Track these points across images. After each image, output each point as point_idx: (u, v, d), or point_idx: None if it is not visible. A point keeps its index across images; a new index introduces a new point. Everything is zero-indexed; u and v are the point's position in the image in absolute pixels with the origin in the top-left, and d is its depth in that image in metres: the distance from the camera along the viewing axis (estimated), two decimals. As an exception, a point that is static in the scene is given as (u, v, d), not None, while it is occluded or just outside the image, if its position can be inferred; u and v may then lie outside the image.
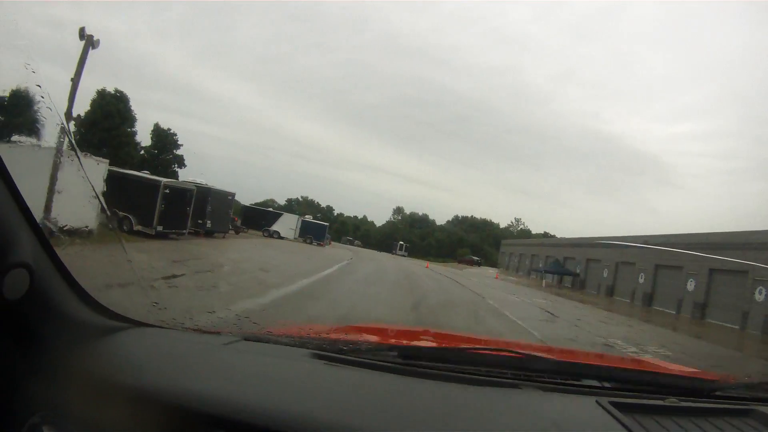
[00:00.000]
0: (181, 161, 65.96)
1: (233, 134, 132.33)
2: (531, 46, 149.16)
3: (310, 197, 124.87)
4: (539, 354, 2.07)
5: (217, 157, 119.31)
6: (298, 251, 33.64)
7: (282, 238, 48.24)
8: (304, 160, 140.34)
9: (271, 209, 53.41)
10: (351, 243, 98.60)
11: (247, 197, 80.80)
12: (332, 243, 69.73)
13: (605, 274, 44.26)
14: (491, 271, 68.39)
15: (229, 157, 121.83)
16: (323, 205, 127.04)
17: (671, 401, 1.61)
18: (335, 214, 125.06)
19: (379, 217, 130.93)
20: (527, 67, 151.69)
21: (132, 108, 61.48)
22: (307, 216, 57.00)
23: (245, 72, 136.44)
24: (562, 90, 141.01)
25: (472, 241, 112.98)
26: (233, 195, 33.78)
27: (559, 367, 1.89)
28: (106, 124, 59.89)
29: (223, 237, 32.27)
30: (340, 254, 40.31)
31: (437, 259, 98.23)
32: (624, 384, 1.78)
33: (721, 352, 17.84)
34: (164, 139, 64.98)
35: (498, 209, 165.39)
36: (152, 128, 65.26)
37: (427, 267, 44.78)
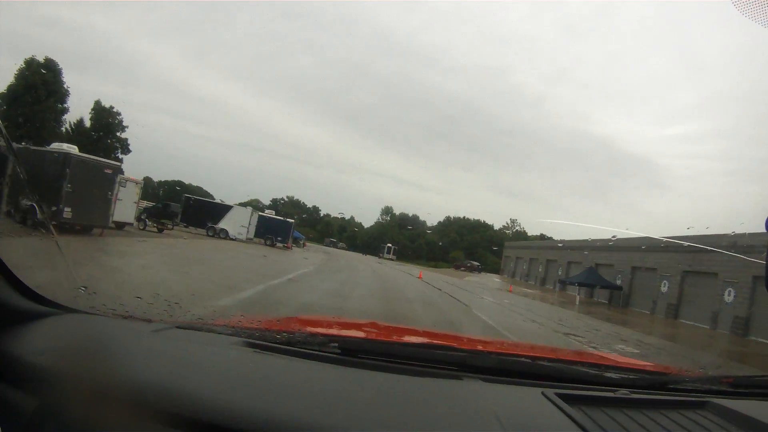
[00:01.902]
0: (125, 145, 53.09)
1: (220, 134, 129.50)
2: (522, 46, 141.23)
3: (296, 197, 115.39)
4: (484, 349, 2.06)
5: (201, 156, 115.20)
6: (215, 260, 20.48)
7: (233, 238, 35.58)
8: (292, 161, 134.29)
9: (220, 201, 40.24)
10: (334, 245, 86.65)
11: (232, 197, 72.47)
12: (307, 245, 57.18)
13: (665, 288, 31.82)
14: (496, 280, 56.01)
15: (214, 157, 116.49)
16: (309, 205, 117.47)
17: (622, 393, 1.52)
18: (321, 215, 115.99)
19: (368, 219, 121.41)
20: (518, 68, 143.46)
21: (64, 80, 49.12)
22: (267, 211, 44.18)
23: (233, 71, 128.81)
24: (553, 91, 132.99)
25: (465, 244, 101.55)
26: (118, 168, 20.93)
27: (503, 362, 1.72)
28: (27, 97, 47.20)
29: (102, 234, 19.65)
30: (299, 262, 27.73)
31: (429, 263, 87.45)
32: (573, 376, 1.66)
33: None
34: (106, 119, 52.18)
35: (490, 211, 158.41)
36: (92, 106, 52.50)
37: (420, 278, 32.34)
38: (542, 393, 1.40)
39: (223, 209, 36.68)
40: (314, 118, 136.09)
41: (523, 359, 1.85)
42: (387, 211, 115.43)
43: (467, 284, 37.40)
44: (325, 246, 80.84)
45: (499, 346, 2.75)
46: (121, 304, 1.89)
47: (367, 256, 73.11)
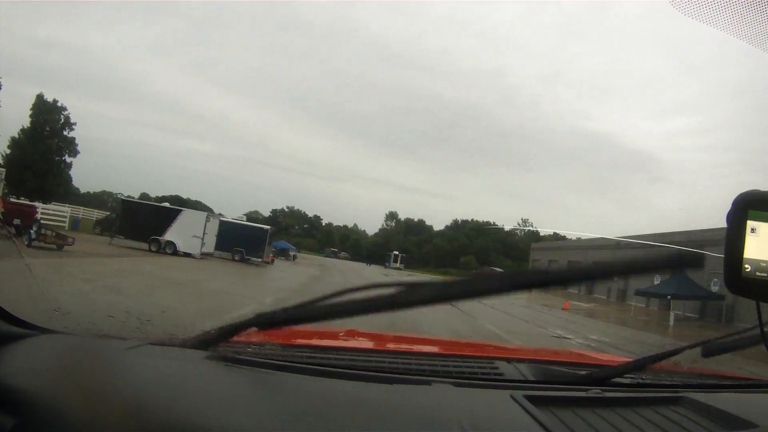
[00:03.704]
0: (72, 147, 43.04)
1: (218, 148, 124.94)
2: (518, 47, 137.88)
3: (296, 207, 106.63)
4: (456, 352, 2.09)
5: (201, 171, 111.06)
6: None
7: (184, 253, 25.44)
8: (293, 173, 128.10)
9: (166, 204, 29.78)
10: (335, 255, 76.72)
11: (231, 211, 64.86)
12: (298, 257, 46.95)
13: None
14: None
15: (213, 171, 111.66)
16: (310, 215, 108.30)
17: (594, 392, 1.45)
18: (323, 224, 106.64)
19: (372, 226, 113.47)
20: (516, 69, 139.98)
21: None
22: (242, 216, 33.82)
23: (233, 85, 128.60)
24: (551, 90, 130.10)
25: (476, 248, 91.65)
26: None
27: (472, 363, 1.71)
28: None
29: None
30: (262, 286, 17.65)
31: (438, 270, 77.60)
32: (545, 377, 1.62)
33: None
34: (49, 116, 42.26)
35: (496, 213, 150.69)
36: (33, 102, 42.43)
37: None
38: (511, 396, 1.32)
39: (169, 215, 26.25)
40: (314, 128, 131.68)
41: (494, 362, 1.76)
42: (392, 216, 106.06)
43: (503, 301, 27.22)
44: (326, 256, 70.89)
45: (472, 348, 2.58)
46: (93, 323, 1.83)
47: (372, 266, 63.13)
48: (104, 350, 1.50)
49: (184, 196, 76.31)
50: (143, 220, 25.89)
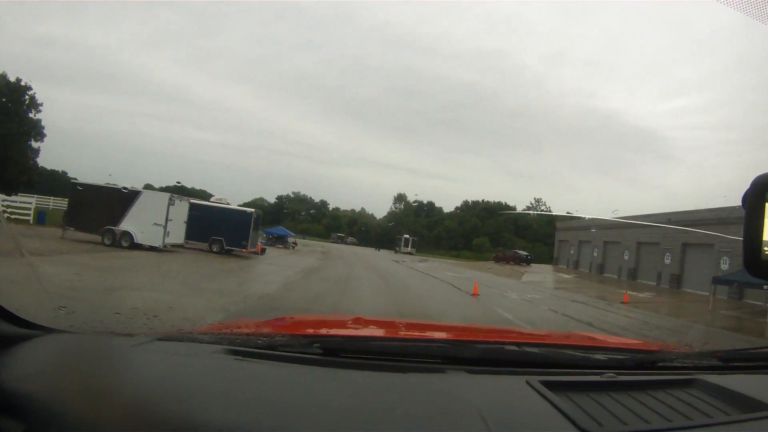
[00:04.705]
0: (38, 130, 37.49)
1: (223, 137, 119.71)
2: (521, 27, 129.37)
3: (302, 193, 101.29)
4: (466, 338, 2.03)
5: (206, 161, 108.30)
6: None
7: (153, 247, 20.07)
8: (298, 159, 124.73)
9: (118, 185, 23.18)
10: (342, 240, 71.26)
11: (236, 198, 60.29)
12: (298, 243, 41.41)
13: None
14: (565, 276, 39.82)
15: (217, 160, 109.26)
16: (317, 200, 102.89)
17: (609, 376, 1.44)
18: (330, 209, 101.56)
19: (380, 210, 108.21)
20: (519, 50, 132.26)
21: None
22: (219, 198, 27.80)
23: (234, 74, 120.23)
24: (556, 71, 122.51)
25: (489, 229, 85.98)
26: None
27: (487, 351, 1.65)
28: None
29: None
30: (222, 292, 12.26)
31: (451, 252, 72.34)
32: (559, 361, 1.58)
33: None
34: (12, 98, 36.84)
35: (505, 194, 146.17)
36: (-6, 81, 37.10)
37: (475, 294, 16.73)
38: (526, 381, 1.31)
39: (125, 199, 20.61)
40: (317, 113, 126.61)
41: (507, 347, 1.72)
42: (400, 198, 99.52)
43: (549, 295, 21.70)
44: (333, 242, 65.51)
45: (485, 333, 2.56)
46: (100, 321, 1.76)
47: (381, 251, 57.68)
48: (111, 348, 1.43)
49: (188, 186, 72.59)
50: (96, 208, 20.41)
